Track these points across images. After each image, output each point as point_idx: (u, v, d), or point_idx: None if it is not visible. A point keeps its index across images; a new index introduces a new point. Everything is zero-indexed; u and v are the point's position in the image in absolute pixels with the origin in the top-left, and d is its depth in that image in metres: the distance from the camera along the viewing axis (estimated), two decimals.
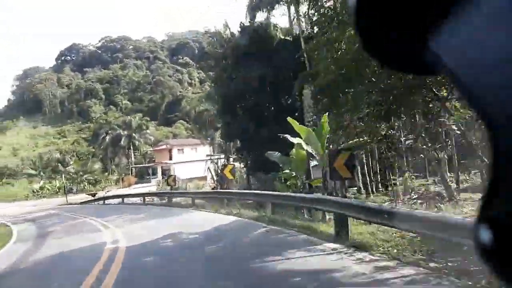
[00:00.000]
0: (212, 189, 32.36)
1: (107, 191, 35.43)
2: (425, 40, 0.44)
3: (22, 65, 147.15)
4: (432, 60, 0.44)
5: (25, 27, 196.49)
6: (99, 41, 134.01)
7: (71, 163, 56.63)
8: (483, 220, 0.40)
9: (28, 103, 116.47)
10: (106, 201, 29.81)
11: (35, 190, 52.01)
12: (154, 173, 63.63)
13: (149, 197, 26.74)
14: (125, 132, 68.65)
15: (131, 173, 60.73)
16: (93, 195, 35.15)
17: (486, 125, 0.40)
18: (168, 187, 27.30)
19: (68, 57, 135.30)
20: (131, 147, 70.43)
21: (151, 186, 52.77)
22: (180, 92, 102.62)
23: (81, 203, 33.56)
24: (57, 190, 49.57)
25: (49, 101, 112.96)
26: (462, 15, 0.41)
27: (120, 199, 28.29)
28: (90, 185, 50.74)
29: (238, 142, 29.90)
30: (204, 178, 46.89)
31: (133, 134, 68.71)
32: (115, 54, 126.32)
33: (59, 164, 62.43)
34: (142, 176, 64.72)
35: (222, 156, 49.81)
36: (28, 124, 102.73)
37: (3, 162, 75.41)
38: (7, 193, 56.15)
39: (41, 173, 58.92)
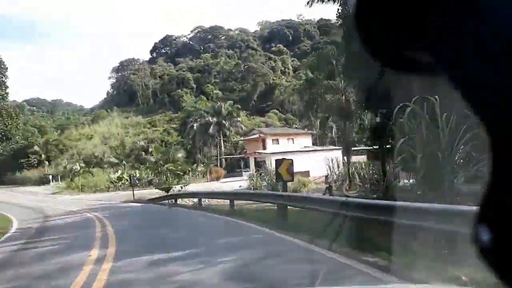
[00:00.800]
0: (326, 189, 21.96)
1: (183, 186, 25.95)
2: (426, 40, 0.43)
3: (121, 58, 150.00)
4: (433, 61, 0.44)
5: (124, 22, 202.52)
6: (191, 32, 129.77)
7: (150, 149, 49.26)
8: (482, 220, 0.40)
9: (123, 95, 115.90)
10: (178, 200, 20.51)
11: (113, 180, 45.20)
12: (246, 165, 54.47)
13: (241, 199, 16.52)
14: (214, 119, 60.33)
15: (220, 165, 51.89)
16: (167, 190, 26.11)
17: (485, 126, 0.40)
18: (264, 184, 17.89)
19: (162, 49, 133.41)
20: (221, 136, 62.03)
21: (241, 181, 43.34)
22: (273, 80, 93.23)
23: (149, 200, 24.70)
24: (137, 181, 42.05)
25: (142, 91, 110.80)
26: (463, 15, 0.40)
27: (195, 199, 18.61)
28: (173, 177, 42.54)
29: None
30: (306, 173, 36.10)
31: (223, 122, 60.16)
32: (207, 44, 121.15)
33: (143, 153, 55.75)
34: (232, 168, 55.78)
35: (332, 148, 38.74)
36: (121, 115, 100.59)
37: (91, 151, 71.88)
38: (87, 183, 50.57)
39: (124, 162, 52.33)
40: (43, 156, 73.65)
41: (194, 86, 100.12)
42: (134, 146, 55.92)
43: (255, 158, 46.97)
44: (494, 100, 0.39)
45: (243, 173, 53.31)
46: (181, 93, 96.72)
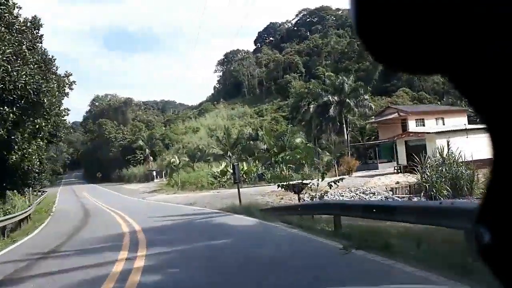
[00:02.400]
0: None
1: (337, 181, 12.79)
2: (427, 41, 0.42)
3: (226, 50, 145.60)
4: (433, 61, 0.43)
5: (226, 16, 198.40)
6: (296, 16, 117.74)
7: (260, 133, 38.01)
8: (482, 221, 0.40)
9: (228, 87, 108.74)
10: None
11: (216, 175, 34.74)
12: (380, 155, 40.68)
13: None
14: (335, 98, 47.07)
15: (348, 154, 38.75)
16: (299, 188, 13.74)
17: (487, 126, 0.39)
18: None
19: (266, 38, 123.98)
20: (343, 120, 48.57)
21: (383, 174, 29.73)
22: None
23: (266, 212, 12.53)
24: (243, 176, 30.97)
25: (248, 82, 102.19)
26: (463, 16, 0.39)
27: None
28: (290, 171, 30.58)
29: None
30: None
31: (347, 101, 46.66)
32: (314, 27, 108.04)
33: (251, 142, 44.76)
34: (361, 158, 42.18)
35: None
36: (227, 107, 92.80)
37: (196, 144, 63.74)
38: (188, 178, 41.16)
39: (229, 154, 41.88)
40: (147, 151, 67.46)
41: (303, 70, 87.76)
42: (240, 135, 45.07)
43: (406, 142, 32.78)
44: (494, 100, 0.39)
45: (378, 164, 39.44)
46: (289, 79, 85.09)
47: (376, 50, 0.46)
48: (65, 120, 30.27)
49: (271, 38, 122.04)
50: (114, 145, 78.23)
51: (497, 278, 0.39)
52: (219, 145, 45.05)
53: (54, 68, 21.35)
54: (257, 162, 33.79)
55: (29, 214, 18.94)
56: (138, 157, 72.47)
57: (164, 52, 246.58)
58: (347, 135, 48.20)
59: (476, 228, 0.40)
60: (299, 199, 13.60)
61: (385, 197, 23.05)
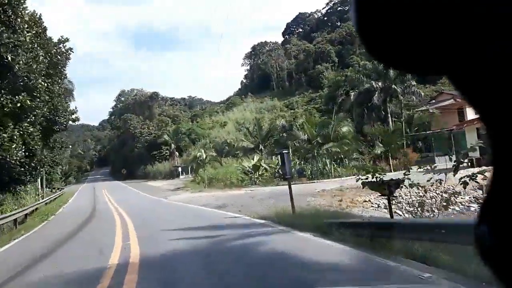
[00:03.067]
0: None
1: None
2: (427, 40, 0.42)
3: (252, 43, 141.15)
4: (433, 61, 0.43)
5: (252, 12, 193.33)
6: (326, 4, 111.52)
7: (300, 122, 32.89)
8: (484, 222, 0.40)
9: (256, 81, 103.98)
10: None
11: (247, 170, 29.88)
12: (434, 148, 34.94)
13: None
14: (379, 84, 41.37)
15: (404, 145, 33.12)
16: (395, 186, 8.31)
17: (487, 127, 0.39)
18: None
19: (295, 29, 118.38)
20: (388, 108, 42.87)
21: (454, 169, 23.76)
22: None
23: (345, 226, 7.13)
24: (275, 170, 26.03)
25: (276, 74, 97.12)
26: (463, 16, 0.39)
27: None
28: (336, 165, 25.47)
29: None
30: None
31: (393, 87, 40.92)
32: (346, 15, 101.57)
33: (284, 134, 39.64)
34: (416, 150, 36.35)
35: None
36: (255, 100, 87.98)
37: (224, 138, 59.17)
38: (216, 174, 36.51)
39: (261, 147, 36.99)
40: (173, 146, 63.39)
41: (336, 59, 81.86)
42: (272, 127, 40.03)
43: (477, 130, 26.95)
44: (494, 100, 0.38)
45: (436, 157, 33.40)
46: (321, 69, 79.38)
47: (376, 50, 0.45)
48: (67, 104, 25.88)
49: (300, 30, 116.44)
50: (140, 141, 74.70)
51: (498, 279, 0.38)
52: (249, 138, 40.10)
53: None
54: (295, 154, 28.68)
55: (17, 218, 14.64)
56: (164, 153, 68.64)
57: (192, 50, 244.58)
58: (392, 125, 42.48)
59: (478, 229, 0.39)
60: (390, 205, 8.40)
61: None
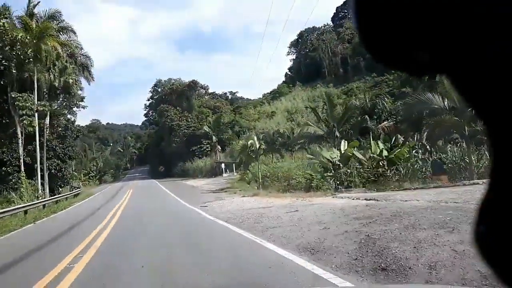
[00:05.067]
0: None
1: None
2: (427, 41, 0.41)
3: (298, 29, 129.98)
4: (433, 61, 0.42)
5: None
6: None
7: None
8: (483, 221, 0.40)
9: (304, 69, 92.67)
10: None
11: (327, 164, 18.85)
12: None
13: None
14: None
15: None
16: None
17: (486, 127, 0.39)
18: None
19: (346, 14, 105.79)
20: None
21: None
22: None
23: None
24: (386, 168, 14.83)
25: (328, 60, 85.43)
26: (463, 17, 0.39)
27: None
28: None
29: None
30: None
31: None
32: None
33: (366, 117, 28.39)
34: None
35: None
36: (305, 90, 76.90)
37: (274, 129, 48.52)
38: (274, 172, 26.11)
39: (336, 133, 25.97)
40: (214, 139, 53.39)
41: None
42: (349, 105, 28.82)
43: None
44: (494, 100, 0.38)
45: None
46: None
47: (376, 50, 0.45)
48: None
49: (348, 14, 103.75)
50: (178, 135, 65.45)
51: (498, 278, 0.38)
52: (317, 124, 28.99)
53: None
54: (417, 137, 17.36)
55: None
56: (204, 148, 59.04)
57: (234, 51, 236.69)
58: None
59: (477, 229, 0.39)
60: None
61: None
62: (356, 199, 12.29)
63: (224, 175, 45.92)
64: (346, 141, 20.37)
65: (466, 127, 14.36)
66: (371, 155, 17.67)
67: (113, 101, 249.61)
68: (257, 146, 25.50)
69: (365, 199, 11.85)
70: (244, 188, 26.81)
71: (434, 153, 17.72)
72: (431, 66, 0.44)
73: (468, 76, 0.40)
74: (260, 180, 25.32)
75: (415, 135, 23.90)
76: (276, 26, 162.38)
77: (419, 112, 18.62)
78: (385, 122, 31.86)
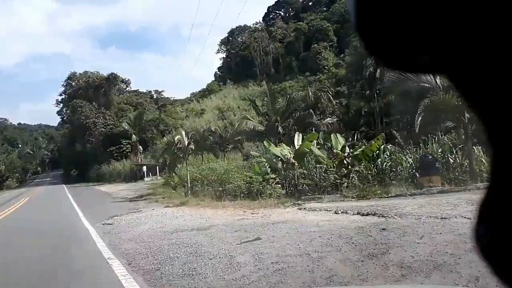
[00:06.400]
0: None
1: None
2: (427, 41, 0.41)
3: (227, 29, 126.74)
4: (433, 61, 0.42)
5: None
6: None
7: None
8: (482, 220, 0.39)
9: (236, 66, 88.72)
10: None
11: (277, 159, 14.37)
12: None
13: None
14: None
15: None
16: None
17: (485, 128, 0.39)
18: None
19: (277, 14, 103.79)
20: None
21: None
22: None
23: None
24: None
25: (260, 59, 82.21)
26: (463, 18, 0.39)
27: None
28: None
29: None
30: None
31: None
32: None
33: (310, 111, 24.69)
34: None
35: None
36: (237, 88, 72.92)
37: (203, 127, 43.51)
38: (206, 175, 21.38)
39: (279, 128, 21.77)
40: (134, 137, 46.89)
41: (335, 39, 67.89)
42: (291, 98, 24.95)
43: None
44: (494, 100, 0.38)
45: None
46: (318, 49, 65.15)
47: (375, 49, 0.44)
48: None
49: (283, 13, 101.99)
50: (93, 134, 57.68)
51: (498, 277, 0.38)
52: (257, 118, 24.76)
53: None
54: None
55: None
56: (124, 148, 52.18)
57: (163, 50, 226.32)
58: None
59: (477, 228, 0.39)
60: None
61: None
62: (342, 213, 7.91)
63: (146, 179, 40.02)
64: (301, 134, 16.14)
65: (466, 113, 10.82)
66: (336, 151, 13.56)
67: (26, 100, 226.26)
68: (186, 143, 20.48)
69: (358, 213, 7.52)
70: (169, 194, 21.65)
71: (419, 147, 14.14)
72: (431, 67, 0.43)
73: (468, 76, 0.39)
74: (189, 185, 20.32)
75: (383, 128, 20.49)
76: (205, 26, 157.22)
77: (404, 93, 14.99)
78: (328, 119, 28.49)
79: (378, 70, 35.25)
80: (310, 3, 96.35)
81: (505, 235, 0.37)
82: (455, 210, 6.90)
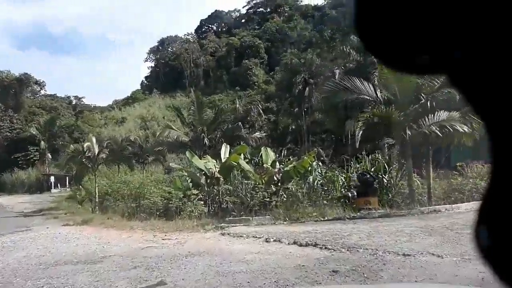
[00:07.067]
0: None
1: None
2: (426, 41, 0.41)
3: (157, 38, 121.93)
4: (432, 61, 0.42)
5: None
6: (247, 3, 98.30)
7: None
8: (482, 221, 0.39)
9: (165, 77, 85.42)
10: None
11: (201, 173, 12.56)
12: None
13: None
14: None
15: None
16: None
17: (486, 128, 0.39)
18: None
19: (210, 28, 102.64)
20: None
21: None
22: None
23: None
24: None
25: (190, 71, 80.00)
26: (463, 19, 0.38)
27: None
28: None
29: None
30: None
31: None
32: (269, 15, 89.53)
33: (239, 124, 23.30)
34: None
35: None
36: (164, 98, 69.85)
37: (122, 136, 40.19)
38: (118, 189, 18.63)
39: (205, 140, 19.94)
40: (43, 144, 42.00)
41: (265, 56, 68.19)
42: (220, 109, 23.35)
43: None
44: (495, 101, 0.37)
45: None
46: (249, 65, 64.83)
47: (375, 48, 0.44)
48: None
49: (216, 27, 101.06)
50: None
51: (498, 278, 0.38)
52: (182, 129, 22.81)
53: None
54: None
55: None
56: (31, 156, 46.65)
57: (86, 54, 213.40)
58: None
59: (477, 229, 0.39)
60: None
61: None
62: (275, 241, 6.31)
63: (54, 190, 35.74)
64: (228, 145, 14.47)
65: (407, 129, 9.93)
66: (266, 166, 12.07)
67: None
68: (96, 151, 17.81)
69: (295, 243, 5.96)
70: (74, 210, 18.68)
71: (354, 165, 13.11)
72: (431, 67, 0.42)
73: (468, 76, 0.39)
74: (97, 200, 17.62)
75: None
76: (135, 32, 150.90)
77: (342, 105, 13.91)
78: (257, 133, 27.31)
79: (307, 88, 35.23)
80: (243, 20, 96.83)
81: (505, 235, 0.37)
82: (414, 242, 5.68)
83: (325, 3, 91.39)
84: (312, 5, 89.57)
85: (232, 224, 9.25)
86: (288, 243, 6.35)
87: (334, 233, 6.93)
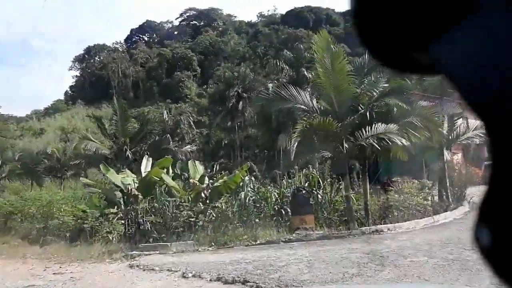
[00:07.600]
0: None
1: None
2: (426, 41, 0.41)
3: (84, 45, 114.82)
4: (432, 62, 0.42)
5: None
6: (180, 15, 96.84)
7: None
8: (482, 221, 0.39)
9: (90, 86, 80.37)
10: None
11: (117, 189, 10.84)
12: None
13: None
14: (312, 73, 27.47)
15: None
16: None
17: (486, 127, 0.38)
18: None
19: (141, 38, 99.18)
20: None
21: None
22: None
23: None
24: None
25: (118, 81, 76.09)
26: (463, 19, 0.38)
27: None
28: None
29: None
30: None
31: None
32: (203, 29, 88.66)
33: (168, 136, 21.70)
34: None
35: None
36: (88, 109, 65.36)
37: (38, 148, 36.39)
38: (21, 206, 16.13)
39: (127, 153, 18.05)
40: None
41: (198, 69, 66.88)
42: (147, 120, 21.59)
43: None
44: (494, 101, 0.37)
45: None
46: (181, 77, 63.10)
47: (375, 48, 0.43)
48: None
49: (147, 38, 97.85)
50: None
51: (498, 278, 0.37)
52: (105, 141, 20.71)
53: None
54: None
55: None
56: None
57: (2, 61, 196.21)
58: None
59: (477, 228, 0.39)
60: None
61: None
62: (194, 276, 5.02)
63: None
64: (150, 158, 12.89)
65: (344, 142, 9.21)
66: (193, 181, 10.71)
67: None
68: None
69: (219, 279, 4.71)
70: None
71: (288, 180, 12.13)
72: (430, 67, 0.42)
73: (468, 76, 0.39)
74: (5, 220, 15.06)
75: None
76: (59, 39, 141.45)
77: (275, 118, 12.88)
78: (188, 146, 25.83)
79: (241, 102, 34.47)
80: (176, 32, 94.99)
81: (505, 235, 0.37)
82: (366, 276, 4.71)
83: (259, 20, 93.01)
84: (246, 21, 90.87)
85: (146, 252, 7.74)
86: (210, 279, 5.08)
87: (267, 263, 5.82)
